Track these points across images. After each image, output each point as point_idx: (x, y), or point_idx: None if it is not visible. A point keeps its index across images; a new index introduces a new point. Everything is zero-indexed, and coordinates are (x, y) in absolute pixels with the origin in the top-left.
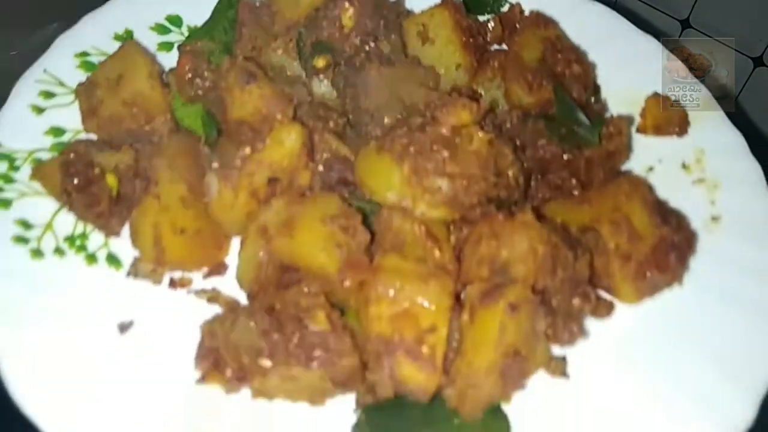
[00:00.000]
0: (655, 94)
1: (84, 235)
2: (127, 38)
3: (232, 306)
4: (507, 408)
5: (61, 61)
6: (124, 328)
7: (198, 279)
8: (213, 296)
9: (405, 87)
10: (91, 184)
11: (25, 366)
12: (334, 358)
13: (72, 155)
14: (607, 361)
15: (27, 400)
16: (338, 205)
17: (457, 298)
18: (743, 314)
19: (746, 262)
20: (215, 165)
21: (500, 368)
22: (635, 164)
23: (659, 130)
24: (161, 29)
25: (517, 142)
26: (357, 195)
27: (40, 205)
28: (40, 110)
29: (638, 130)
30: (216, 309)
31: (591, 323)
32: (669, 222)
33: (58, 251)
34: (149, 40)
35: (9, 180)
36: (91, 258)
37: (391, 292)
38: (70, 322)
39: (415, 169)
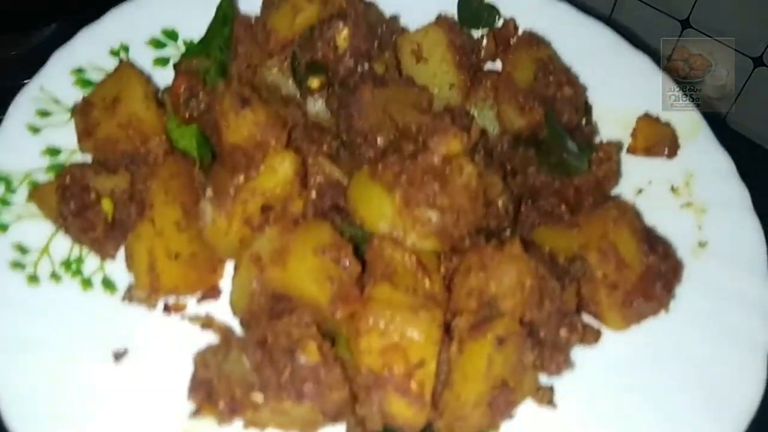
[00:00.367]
0: (647, 115)
1: (80, 259)
2: (122, 53)
3: (225, 334)
4: None
5: (57, 78)
6: (119, 356)
7: (192, 303)
8: (207, 322)
9: (398, 108)
10: (86, 209)
11: (21, 397)
12: (324, 391)
13: (68, 179)
14: (594, 390)
15: (21, 430)
16: (330, 235)
17: (447, 327)
18: (728, 343)
19: (733, 290)
20: (209, 193)
21: (488, 399)
22: (625, 185)
23: (650, 151)
24: (157, 44)
25: (508, 167)
26: (349, 221)
27: (36, 228)
28: (36, 130)
29: (629, 151)
30: (211, 335)
31: (578, 350)
32: (656, 250)
33: (54, 276)
34: (145, 55)
35: (6, 203)
36: (87, 283)
37: (382, 324)
38: (66, 351)
39: (406, 200)
